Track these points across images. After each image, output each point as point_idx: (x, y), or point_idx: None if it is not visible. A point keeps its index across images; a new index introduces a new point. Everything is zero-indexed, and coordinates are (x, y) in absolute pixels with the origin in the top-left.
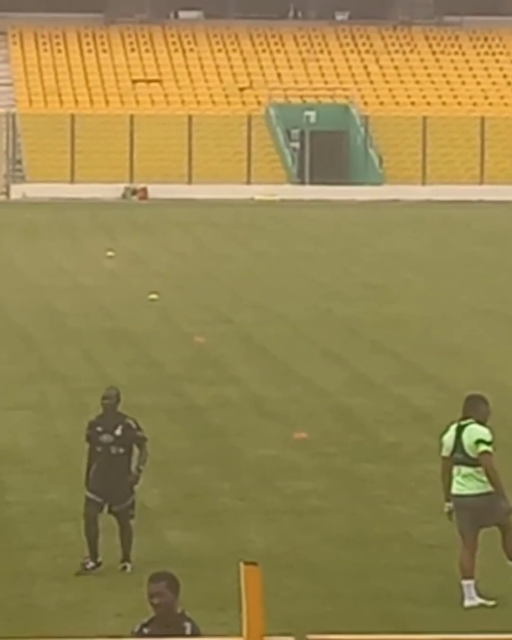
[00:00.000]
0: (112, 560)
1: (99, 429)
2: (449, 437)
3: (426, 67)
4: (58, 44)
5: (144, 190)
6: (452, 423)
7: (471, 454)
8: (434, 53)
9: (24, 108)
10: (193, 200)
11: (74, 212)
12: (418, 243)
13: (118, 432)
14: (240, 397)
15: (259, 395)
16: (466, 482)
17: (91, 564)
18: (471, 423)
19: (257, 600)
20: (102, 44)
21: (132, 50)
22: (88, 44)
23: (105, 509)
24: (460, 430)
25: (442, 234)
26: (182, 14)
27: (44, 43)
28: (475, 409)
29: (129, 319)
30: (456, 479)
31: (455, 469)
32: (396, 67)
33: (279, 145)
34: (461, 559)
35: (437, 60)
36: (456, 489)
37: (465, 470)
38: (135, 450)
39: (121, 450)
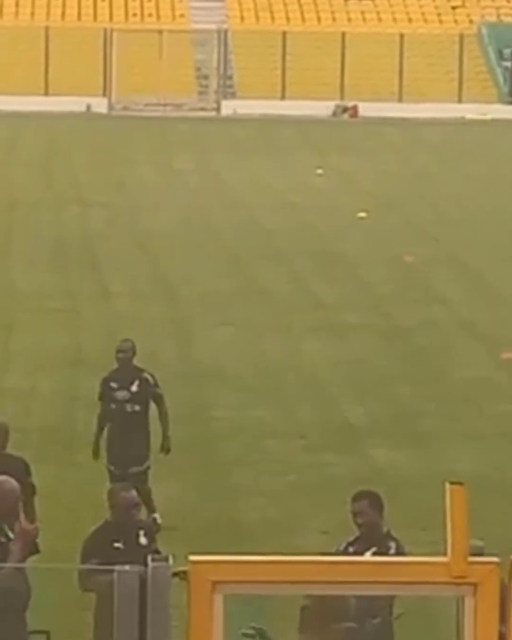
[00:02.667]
0: (316, 477)
1: (113, 385)
2: None
3: None
4: None
5: (355, 108)
6: None
7: None
8: None
9: (236, 24)
10: (403, 119)
11: (283, 129)
12: None
13: (134, 388)
14: (447, 318)
15: (466, 316)
16: None
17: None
18: None
19: (462, 520)
20: None
21: None
22: None
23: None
24: None
25: None
26: None
27: None
28: None
29: (336, 237)
30: None
31: None
32: None
33: (490, 64)
34: None
35: None
36: None
37: None
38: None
39: (137, 407)
